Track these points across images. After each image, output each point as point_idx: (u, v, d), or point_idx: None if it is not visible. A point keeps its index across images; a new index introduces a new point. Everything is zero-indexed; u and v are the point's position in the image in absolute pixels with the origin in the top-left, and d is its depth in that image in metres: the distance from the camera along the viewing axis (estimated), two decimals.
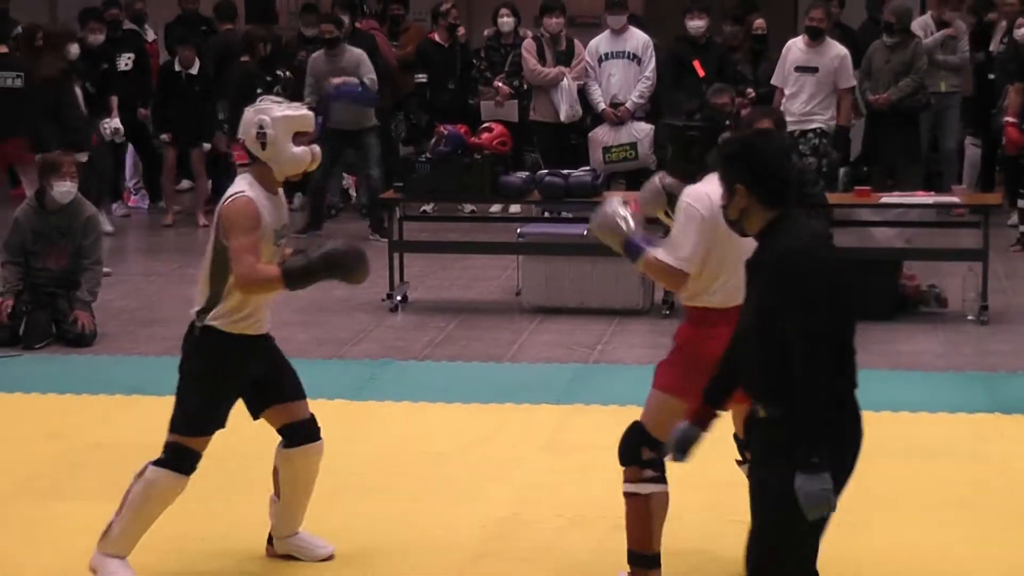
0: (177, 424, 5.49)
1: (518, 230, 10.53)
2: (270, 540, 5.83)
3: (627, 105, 12.28)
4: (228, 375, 5.48)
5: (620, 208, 5.21)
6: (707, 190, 5.03)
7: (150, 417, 7.69)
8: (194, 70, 13.17)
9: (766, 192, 4.22)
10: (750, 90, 12.06)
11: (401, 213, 10.46)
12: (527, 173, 10.39)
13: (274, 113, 5.32)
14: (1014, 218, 11.84)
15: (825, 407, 4.11)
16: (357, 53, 12.48)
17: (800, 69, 11.45)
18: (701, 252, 5.09)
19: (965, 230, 10.94)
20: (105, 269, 9.89)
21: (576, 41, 12.65)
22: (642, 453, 5.28)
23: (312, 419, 5.73)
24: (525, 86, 12.74)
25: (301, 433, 5.67)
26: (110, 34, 13.57)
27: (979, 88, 12.97)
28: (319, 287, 11.17)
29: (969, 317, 9.64)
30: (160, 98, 13.36)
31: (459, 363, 8.79)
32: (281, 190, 5.50)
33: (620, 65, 12.41)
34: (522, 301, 10.18)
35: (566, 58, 12.48)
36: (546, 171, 10.42)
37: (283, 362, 5.71)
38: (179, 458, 5.47)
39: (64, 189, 9.21)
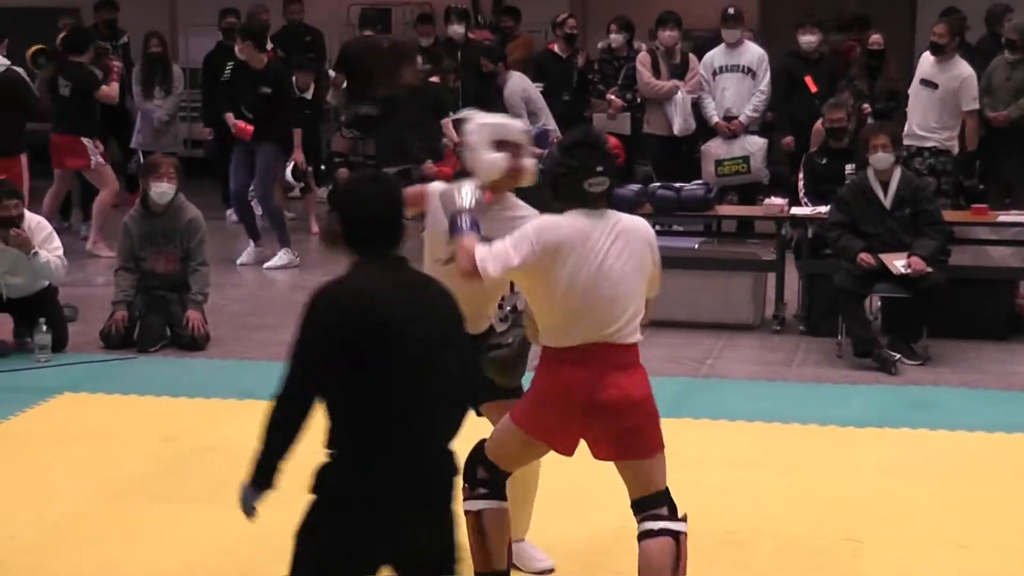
0: None
1: None
2: None
3: (740, 119, 12.23)
4: None
5: (472, 187, 5.02)
6: (565, 220, 4.87)
7: (258, 421, 7.78)
8: (308, 94, 13.29)
9: (350, 237, 4.18)
10: (866, 105, 11.95)
11: None
12: (639, 186, 10.36)
13: (478, 119, 5.37)
14: None
15: (276, 443, 4.15)
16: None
17: (923, 83, 11.31)
18: (511, 263, 4.80)
19: None
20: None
21: (691, 54, 12.61)
22: (477, 472, 5.17)
23: None
24: (638, 99, 12.71)
25: None
26: (225, 42, 13.77)
27: None
28: None
29: None
30: None
31: None
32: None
33: (734, 79, 12.37)
34: None
35: (680, 71, 12.45)
36: (658, 184, 10.39)
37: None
38: None
39: (161, 190, 9.32)
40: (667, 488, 5.01)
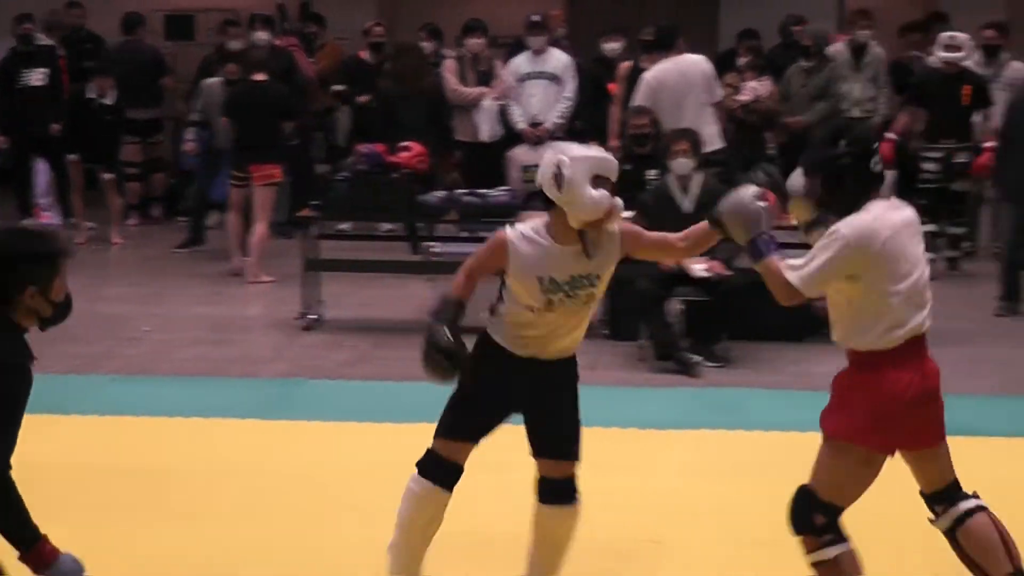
0: (439, 423, 5.33)
1: (434, 249, 10.53)
2: None
3: (547, 125, 12.32)
4: (480, 379, 5.17)
5: (757, 200, 4.89)
6: (868, 218, 4.77)
7: (57, 436, 7.62)
8: (109, 100, 13.09)
9: None
10: None
11: (318, 231, 10.42)
12: (445, 192, 10.38)
13: (573, 152, 5.03)
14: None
15: None
16: None
17: None
18: (829, 277, 4.78)
19: None
20: None
21: (497, 61, 12.67)
22: (814, 520, 4.95)
23: (568, 481, 5.36)
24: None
25: (548, 491, 5.37)
26: (21, 48, 13.53)
27: None
28: (232, 303, 11.13)
29: None
30: (70, 119, 13.23)
31: (374, 382, 8.75)
32: (588, 239, 5.04)
33: (540, 85, 12.45)
34: None
35: (487, 78, 12.50)
36: (464, 190, 10.42)
37: (557, 408, 5.36)
38: (427, 461, 5.29)
39: None
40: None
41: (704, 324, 9.23)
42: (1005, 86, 12.04)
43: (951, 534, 5.01)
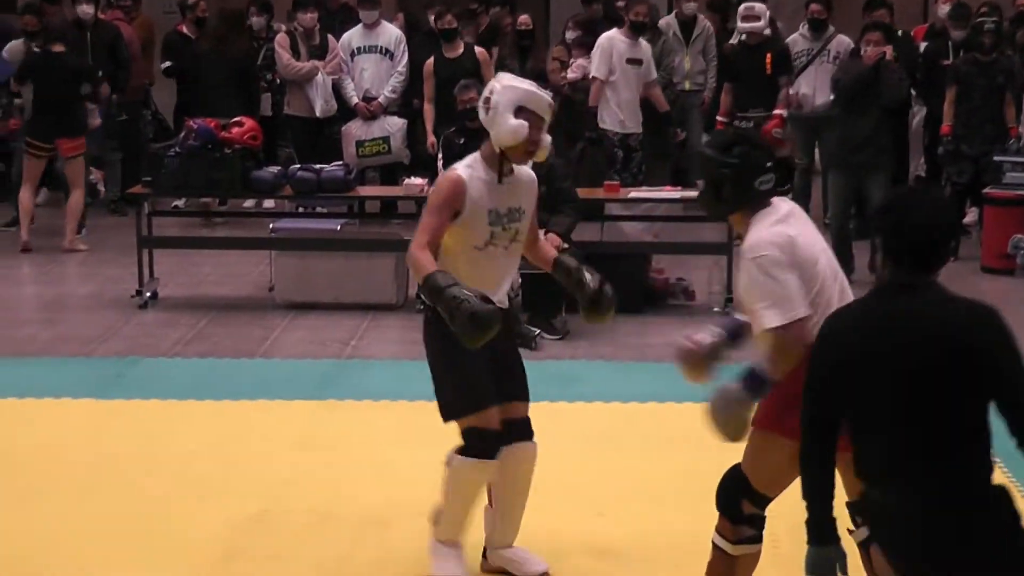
0: (449, 408, 5.31)
1: (270, 225, 10.45)
2: (484, 553, 5.59)
3: (380, 100, 12.28)
4: (457, 346, 5.03)
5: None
6: (764, 236, 4.60)
7: None
8: None
9: None
10: None
11: (151, 208, 10.27)
12: (279, 168, 10.29)
13: (505, 81, 5.21)
14: None
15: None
16: None
17: (630, 61, 11.61)
18: (799, 292, 4.53)
19: (710, 224, 11.16)
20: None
21: (329, 36, 12.59)
22: (743, 507, 4.76)
23: (527, 421, 5.45)
24: (278, 80, 12.65)
25: (513, 431, 5.36)
26: None
27: None
28: (64, 280, 10.91)
29: (715, 309, 9.86)
30: None
31: (210, 360, 8.66)
32: (522, 170, 5.26)
33: (373, 60, 12.42)
34: (275, 297, 10.08)
35: (320, 52, 12.42)
36: (299, 166, 10.34)
37: (512, 355, 5.47)
38: (470, 441, 5.27)
39: None
40: None
41: (543, 297, 9.27)
42: (832, 59, 12.26)
43: (865, 547, 4.70)
